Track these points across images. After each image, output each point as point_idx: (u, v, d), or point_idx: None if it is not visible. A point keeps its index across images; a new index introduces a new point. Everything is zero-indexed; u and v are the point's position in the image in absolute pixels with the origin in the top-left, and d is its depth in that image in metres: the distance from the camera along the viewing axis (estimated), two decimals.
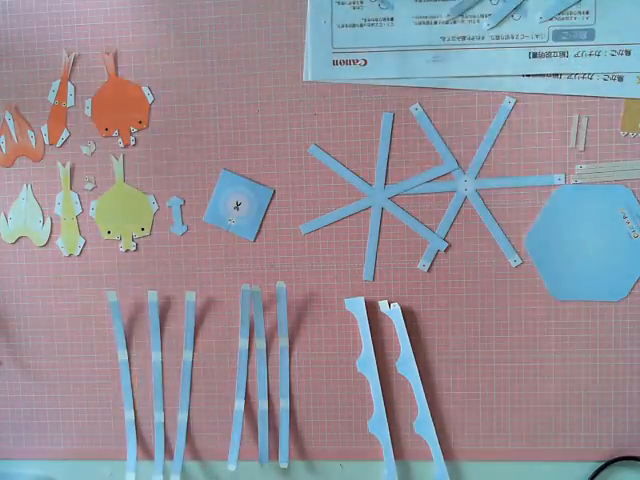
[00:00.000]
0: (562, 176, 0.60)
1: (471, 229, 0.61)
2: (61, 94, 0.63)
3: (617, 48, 0.58)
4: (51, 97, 0.64)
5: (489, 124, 0.60)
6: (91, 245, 0.65)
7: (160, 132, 0.63)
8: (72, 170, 0.64)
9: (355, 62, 0.61)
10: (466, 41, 0.59)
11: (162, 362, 0.65)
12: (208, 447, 0.65)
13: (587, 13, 0.58)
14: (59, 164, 0.64)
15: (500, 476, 0.63)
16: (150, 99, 0.63)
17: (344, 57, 0.61)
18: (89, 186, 0.64)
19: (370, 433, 0.63)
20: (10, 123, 0.64)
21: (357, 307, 0.62)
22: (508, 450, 0.62)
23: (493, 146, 0.60)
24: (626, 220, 0.60)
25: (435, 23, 0.59)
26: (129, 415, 0.65)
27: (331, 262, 0.63)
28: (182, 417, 0.64)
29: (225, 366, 0.64)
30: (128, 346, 0.65)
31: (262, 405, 0.63)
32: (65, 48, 0.63)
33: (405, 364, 0.62)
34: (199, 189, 0.63)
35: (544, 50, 0.59)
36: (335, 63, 0.61)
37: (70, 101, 0.64)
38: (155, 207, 0.64)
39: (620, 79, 0.59)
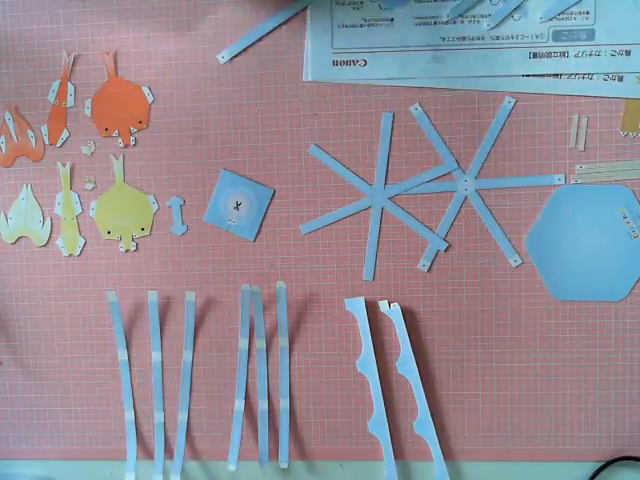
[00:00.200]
0: (562, 176, 0.60)
1: (471, 229, 0.61)
2: (61, 94, 0.63)
3: (617, 48, 0.58)
4: (51, 97, 0.64)
5: (489, 124, 0.60)
6: (91, 245, 0.65)
7: (160, 132, 0.63)
8: (72, 170, 0.64)
9: (355, 62, 0.61)
10: (466, 41, 0.59)
11: (162, 362, 0.65)
12: (208, 447, 0.65)
13: (587, 13, 0.58)
14: (59, 164, 0.64)
15: (500, 476, 0.63)
16: (150, 99, 0.63)
17: (344, 57, 0.61)
18: (89, 186, 0.64)
19: (370, 433, 0.63)
20: (10, 123, 0.64)
21: (357, 307, 0.62)
22: (508, 450, 0.62)
23: (493, 146, 0.60)
24: (626, 220, 0.60)
25: (435, 23, 0.59)
26: (129, 415, 0.65)
27: (331, 262, 0.63)
28: (182, 417, 0.64)
29: (225, 366, 0.64)
30: (128, 346, 0.65)
31: (262, 405, 0.63)
32: (65, 48, 0.63)
33: (405, 364, 0.62)
34: (199, 189, 0.63)
35: (544, 50, 0.59)
36: (335, 63, 0.61)
37: (70, 101, 0.64)
38: (155, 207, 0.64)
39: (620, 79, 0.59)
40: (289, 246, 0.63)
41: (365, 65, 0.61)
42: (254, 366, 0.64)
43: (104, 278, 0.65)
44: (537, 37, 0.59)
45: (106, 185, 0.64)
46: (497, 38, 0.59)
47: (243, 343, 0.63)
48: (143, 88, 0.63)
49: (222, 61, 0.62)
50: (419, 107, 0.61)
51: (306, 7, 0.60)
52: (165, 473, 0.65)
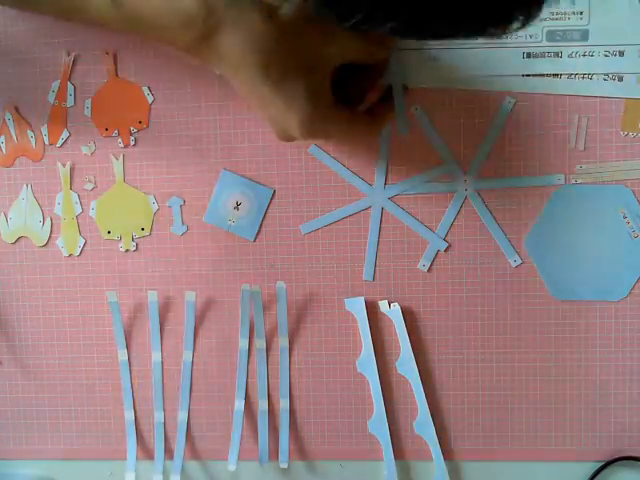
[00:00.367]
0: (562, 176, 0.60)
1: (471, 229, 0.61)
2: (61, 94, 0.63)
3: (611, 49, 0.58)
4: (51, 97, 0.64)
5: (489, 124, 0.60)
6: (91, 245, 0.65)
7: (160, 132, 0.63)
8: (72, 170, 0.64)
9: None
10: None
11: (162, 362, 0.65)
12: (208, 447, 0.65)
13: (581, 14, 0.58)
14: (59, 164, 0.64)
15: (500, 476, 0.63)
16: (150, 99, 0.63)
17: None
18: (89, 186, 0.64)
19: (370, 433, 0.63)
20: (10, 123, 0.64)
21: (357, 307, 0.62)
22: (508, 450, 0.62)
23: (493, 146, 0.60)
24: (626, 220, 0.60)
25: None
26: (129, 415, 0.65)
27: (331, 262, 0.63)
28: (182, 417, 0.64)
29: (225, 366, 0.64)
30: (128, 346, 0.65)
31: (262, 405, 0.63)
32: (65, 48, 0.63)
33: (405, 364, 0.62)
34: (199, 189, 0.63)
35: (538, 50, 0.59)
36: None
37: (70, 101, 0.64)
38: (155, 207, 0.64)
39: (620, 79, 0.59)
40: (289, 246, 0.63)
41: None
42: (254, 366, 0.64)
43: (104, 278, 0.65)
44: (531, 37, 0.59)
45: (106, 185, 0.64)
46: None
47: (243, 343, 0.63)
48: (143, 88, 0.63)
49: None
50: (419, 107, 0.61)
51: None
52: (165, 473, 0.65)
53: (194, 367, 0.64)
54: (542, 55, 0.59)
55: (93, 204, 0.64)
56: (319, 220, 0.62)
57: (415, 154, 0.61)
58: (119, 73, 0.63)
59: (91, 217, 0.64)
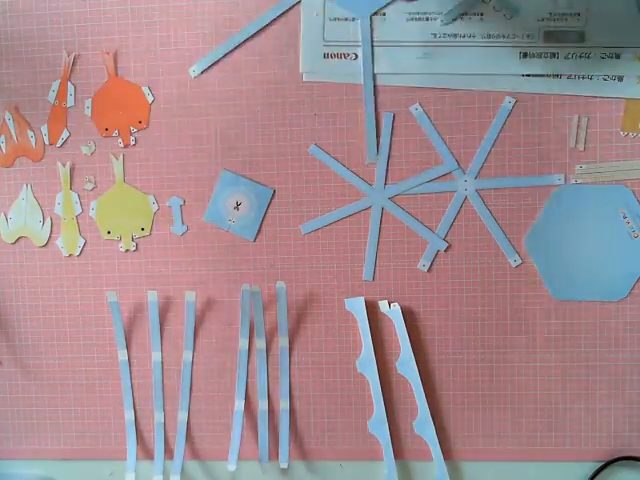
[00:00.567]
0: (562, 176, 0.60)
1: (471, 229, 0.61)
2: (61, 94, 0.63)
3: (607, 51, 0.58)
4: (51, 97, 0.64)
5: (489, 124, 0.60)
6: (91, 245, 0.65)
7: (160, 132, 0.63)
8: (72, 170, 0.64)
9: (346, 56, 0.61)
10: (457, 39, 0.59)
11: (162, 362, 0.65)
12: (208, 447, 0.65)
13: (578, 15, 0.58)
14: (59, 164, 0.64)
15: (500, 476, 0.63)
16: (150, 99, 0.63)
17: (335, 50, 0.61)
18: (89, 186, 0.64)
19: (370, 433, 0.63)
20: (10, 123, 0.64)
21: (357, 307, 0.62)
22: (508, 450, 0.62)
23: (493, 146, 0.60)
24: (626, 220, 0.60)
25: (427, 20, 0.59)
26: (129, 415, 0.65)
27: (331, 262, 0.63)
28: (182, 417, 0.64)
29: (225, 366, 0.64)
30: (128, 346, 0.65)
31: (262, 405, 0.63)
32: (65, 48, 0.63)
33: (405, 364, 0.62)
34: (199, 189, 0.63)
35: (535, 51, 0.59)
36: (326, 56, 0.61)
37: (70, 101, 0.64)
38: (155, 207, 0.64)
39: (620, 79, 0.59)
40: (289, 246, 0.63)
41: (356, 59, 0.61)
42: (254, 366, 0.64)
43: (104, 278, 0.65)
44: (528, 37, 0.59)
45: (106, 185, 0.64)
46: (488, 37, 0.59)
47: (243, 343, 0.63)
48: (143, 88, 0.63)
49: (222, 61, 0.62)
50: (419, 107, 0.61)
51: (299, 0, 0.60)
52: (165, 473, 0.65)
53: (194, 367, 0.64)
54: (539, 56, 0.59)
55: (93, 204, 0.64)
56: (319, 220, 0.62)
57: (415, 154, 0.61)
58: (119, 73, 0.63)
59: (91, 217, 0.64)
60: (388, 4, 0.60)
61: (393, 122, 0.61)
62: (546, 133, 0.60)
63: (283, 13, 0.61)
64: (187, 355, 0.64)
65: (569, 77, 0.59)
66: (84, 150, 0.64)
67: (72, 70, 0.63)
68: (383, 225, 0.62)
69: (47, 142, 0.64)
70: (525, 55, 0.59)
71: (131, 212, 0.64)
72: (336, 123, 0.62)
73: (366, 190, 0.62)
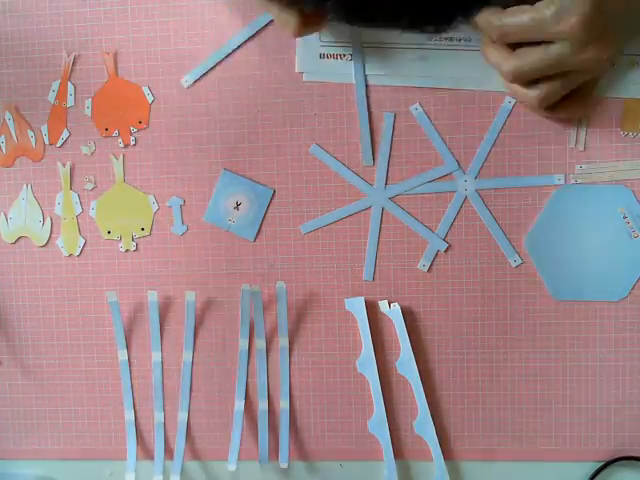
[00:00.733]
0: (562, 176, 0.60)
1: (471, 229, 0.61)
2: (61, 94, 0.63)
3: None
4: (51, 97, 0.64)
5: (489, 124, 0.60)
6: (91, 245, 0.65)
7: (160, 132, 0.63)
8: (72, 170, 0.64)
9: (342, 57, 0.61)
10: (453, 42, 0.59)
11: (162, 362, 0.65)
12: (208, 447, 0.65)
13: None
14: (59, 164, 0.64)
15: (500, 476, 0.63)
16: (150, 99, 0.63)
17: (331, 51, 0.61)
18: (89, 186, 0.64)
19: (370, 433, 0.63)
20: (10, 123, 0.64)
21: (357, 307, 0.62)
22: (508, 450, 0.62)
23: (493, 146, 0.60)
24: (626, 220, 0.60)
25: None
26: (129, 415, 0.65)
27: (331, 262, 0.63)
28: (182, 417, 0.64)
29: (225, 366, 0.64)
30: (128, 346, 0.65)
31: (262, 405, 0.63)
32: (65, 48, 0.63)
33: (405, 364, 0.62)
34: (199, 189, 0.63)
35: None
36: (322, 56, 0.61)
37: (70, 101, 0.64)
38: (155, 207, 0.64)
39: (620, 79, 0.59)
40: (289, 246, 0.63)
41: (351, 60, 0.60)
42: (254, 366, 0.64)
43: (104, 278, 0.65)
44: None
45: (106, 185, 0.64)
46: None
47: (243, 343, 0.63)
48: (143, 88, 0.63)
49: (222, 61, 0.62)
50: (419, 107, 0.61)
51: None
52: (165, 473, 0.65)
53: (194, 367, 0.64)
54: None
55: (93, 204, 0.64)
56: (319, 220, 0.62)
57: (415, 154, 0.61)
58: (119, 73, 0.63)
59: (91, 217, 0.64)
60: None
61: (393, 122, 0.61)
62: (546, 133, 0.60)
63: None
64: (187, 355, 0.64)
65: None
66: (84, 150, 0.64)
67: (72, 70, 0.63)
68: (383, 225, 0.62)
69: (47, 142, 0.64)
70: None
71: (131, 212, 0.64)
72: (336, 123, 0.62)
73: (366, 190, 0.62)
